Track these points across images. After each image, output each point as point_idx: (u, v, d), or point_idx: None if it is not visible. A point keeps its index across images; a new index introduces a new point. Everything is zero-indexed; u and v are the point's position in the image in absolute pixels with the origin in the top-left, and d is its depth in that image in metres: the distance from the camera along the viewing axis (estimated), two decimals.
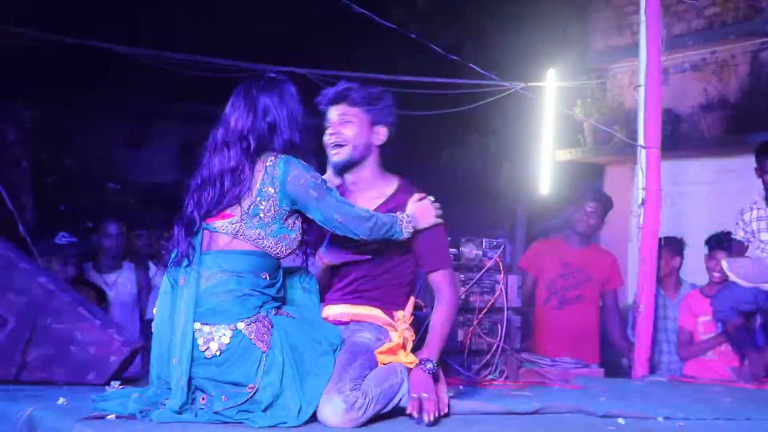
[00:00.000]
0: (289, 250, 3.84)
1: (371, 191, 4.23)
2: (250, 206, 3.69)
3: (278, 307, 3.86)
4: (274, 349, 3.69)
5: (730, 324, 7.51)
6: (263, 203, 3.72)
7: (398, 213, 4.04)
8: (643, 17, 7.28)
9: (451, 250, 6.03)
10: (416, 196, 4.15)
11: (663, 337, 8.04)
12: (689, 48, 11.50)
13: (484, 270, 6.26)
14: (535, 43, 13.97)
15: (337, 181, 4.28)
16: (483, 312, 6.14)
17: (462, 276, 6.05)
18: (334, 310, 4.20)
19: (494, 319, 6.28)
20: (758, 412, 5.06)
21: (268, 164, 3.73)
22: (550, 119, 13.01)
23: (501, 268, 6.29)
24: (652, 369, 7.11)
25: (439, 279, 4.28)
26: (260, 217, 3.71)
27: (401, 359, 4.00)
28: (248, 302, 3.70)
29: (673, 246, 8.37)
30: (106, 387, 4.75)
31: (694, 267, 8.72)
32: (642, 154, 7.35)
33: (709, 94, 11.25)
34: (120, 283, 8.10)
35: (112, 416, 3.81)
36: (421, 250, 4.23)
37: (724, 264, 7.35)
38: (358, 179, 4.23)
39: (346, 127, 4.17)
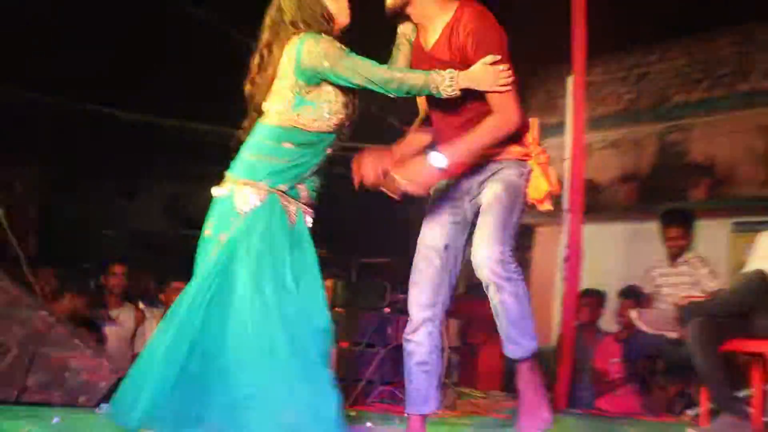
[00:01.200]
0: (319, 121, 3.58)
1: (435, 24, 3.64)
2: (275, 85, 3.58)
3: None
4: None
5: (637, 365, 7.64)
6: (284, 81, 3.55)
7: (438, 72, 3.44)
8: (570, 101, 7.43)
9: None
10: (489, 58, 3.43)
11: (582, 376, 7.92)
12: (609, 128, 11.56)
13: None
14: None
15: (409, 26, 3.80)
16: None
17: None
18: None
19: None
20: None
21: (288, 45, 3.54)
22: None
23: None
24: (571, 403, 7.03)
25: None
26: (281, 93, 3.57)
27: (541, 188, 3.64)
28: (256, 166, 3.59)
29: (597, 297, 8.57)
30: (96, 409, 4.96)
31: (607, 315, 8.80)
32: (567, 218, 7.38)
33: (625, 168, 11.34)
34: (122, 318, 7.95)
35: None
36: None
37: (633, 314, 7.53)
38: (419, 18, 3.68)
39: None
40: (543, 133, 4.00)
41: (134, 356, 7.11)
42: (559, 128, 8.84)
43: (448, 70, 3.38)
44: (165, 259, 9.50)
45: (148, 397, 3.30)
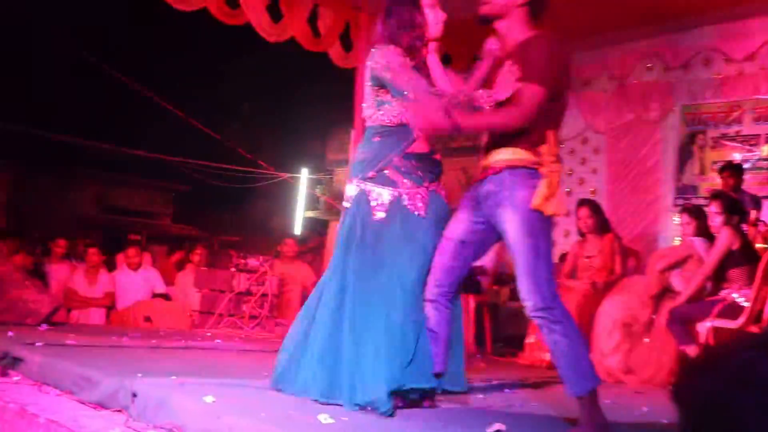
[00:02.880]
0: (393, 115, 3.12)
1: (512, 43, 2.99)
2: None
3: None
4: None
5: None
6: (367, 85, 3.22)
7: (474, 92, 2.97)
8: (351, 144, 7.44)
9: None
10: (507, 65, 2.91)
11: None
12: None
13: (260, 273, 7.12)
14: (293, 152, 13.44)
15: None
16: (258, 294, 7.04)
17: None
18: (491, 158, 2.97)
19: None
20: None
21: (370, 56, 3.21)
22: (302, 194, 12.88)
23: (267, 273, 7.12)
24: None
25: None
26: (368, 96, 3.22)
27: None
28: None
29: None
30: (38, 327, 5.11)
31: None
32: None
33: None
34: (60, 270, 8.10)
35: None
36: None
37: None
38: (504, 31, 3.00)
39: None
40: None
41: (67, 293, 7.65)
42: (345, 162, 9.33)
43: (478, 90, 2.96)
44: (92, 233, 10.20)
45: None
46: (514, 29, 2.98)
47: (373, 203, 3.06)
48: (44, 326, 5.08)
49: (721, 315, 4.64)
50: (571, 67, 3.33)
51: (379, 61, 3.09)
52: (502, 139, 2.91)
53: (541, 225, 2.81)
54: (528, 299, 2.78)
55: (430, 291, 3.05)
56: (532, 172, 2.85)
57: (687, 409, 0.71)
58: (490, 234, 2.99)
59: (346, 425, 2.49)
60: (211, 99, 11.33)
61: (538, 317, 2.78)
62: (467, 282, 5.64)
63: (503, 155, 2.89)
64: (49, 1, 7.97)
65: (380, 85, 3.12)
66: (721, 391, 0.66)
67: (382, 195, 3.06)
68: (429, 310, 3.04)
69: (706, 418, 0.68)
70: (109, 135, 11.24)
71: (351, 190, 3.15)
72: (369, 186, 3.09)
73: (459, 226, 3.05)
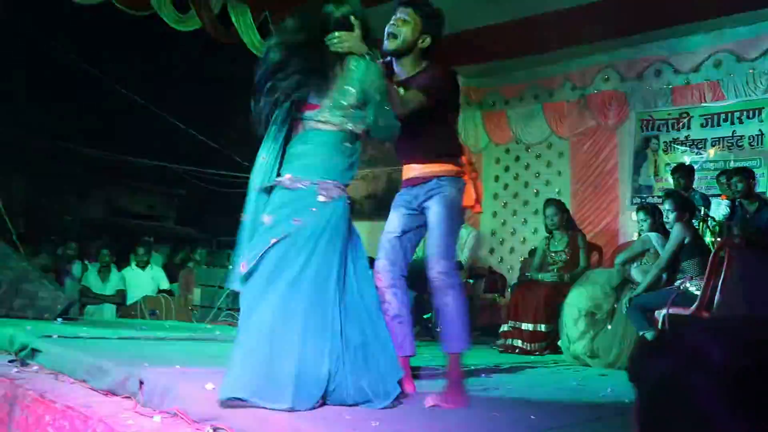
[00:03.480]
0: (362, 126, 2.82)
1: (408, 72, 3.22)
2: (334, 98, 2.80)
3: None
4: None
5: None
6: (345, 98, 2.79)
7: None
8: None
9: None
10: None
11: None
12: (361, 168, 9.90)
13: None
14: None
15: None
16: None
17: None
18: (416, 171, 3.20)
19: None
20: None
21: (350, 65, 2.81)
22: None
23: None
24: None
25: None
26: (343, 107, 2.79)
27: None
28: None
29: None
30: (54, 321, 5.09)
31: None
32: None
33: (368, 190, 11.42)
34: (73, 270, 8.25)
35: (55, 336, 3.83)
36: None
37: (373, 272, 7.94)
38: (404, 63, 3.22)
39: (405, 25, 3.20)
40: None
41: (81, 291, 7.75)
42: None
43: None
44: (102, 235, 10.27)
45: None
46: (413, 63, 3.24)
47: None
48: (59, 320, 5.09)
49: (676, 303, 4.66)
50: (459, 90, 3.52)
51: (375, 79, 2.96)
52: (429, 155, 3.17)
53: (458, 216, 3.18)
54: (437, 264, 3.03)
55: (388, 277, 3.14)
56: (456, 178, 3.17)
57: (642, 389, 0.73)
58: (421, 221, 3.20)
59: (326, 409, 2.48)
60: (211, 111, 11.35)
61: (440, 279, 3.02)
62: None
63: (432, 168, 3.15)
64: (51, 14, 7.87)
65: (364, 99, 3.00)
66: (672, 372, 0.68)
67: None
68: (389, 295, 3.11)
69: (659, 396, 0.70)
70: (116, 144, 11.34)
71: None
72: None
73: (395, 221, 3.23)
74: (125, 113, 10.36)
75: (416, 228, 3.23)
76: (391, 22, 3.23)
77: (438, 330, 3.19)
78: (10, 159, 10.42)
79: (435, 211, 3.10)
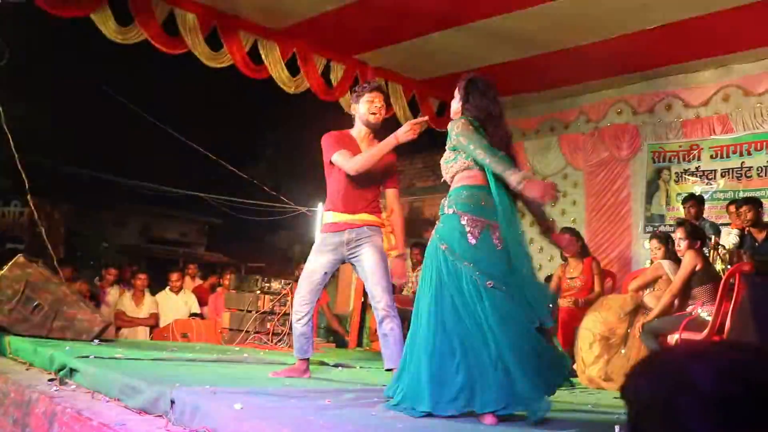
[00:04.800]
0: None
1: (374, 142, 3.83)
2: None
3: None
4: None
5: None
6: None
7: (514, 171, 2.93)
8: None
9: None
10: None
11: (363, 330, 8.12)
12: (383, 197, 11.92)
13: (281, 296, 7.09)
14: (311, 188, 12.39)
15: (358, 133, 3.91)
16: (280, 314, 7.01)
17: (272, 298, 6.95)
18: (359, 218, 3.76)
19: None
20: None
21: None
22: (318, 225, 11.96)
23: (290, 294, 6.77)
24: (358, 344, 7.58)
25: (395, 194, 3.95)
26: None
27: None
28: None
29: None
30: (92, 342, 5.10)
31: None
32: None
33: None
34: (111, 294, 8.19)
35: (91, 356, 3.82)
36: (390, 172, 3.92)
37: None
38: (371, 135, 3.86)
39: (383, 107, 3.86)
40: None
41: (116, 314, 7.66)
42: None
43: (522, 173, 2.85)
44: (137, 261, 10.60)
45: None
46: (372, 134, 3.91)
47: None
48: (96, 342, 5.11)
49: (688, 328, 4.65)
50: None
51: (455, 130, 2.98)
52: (359, 206, 3.74)
53: (385, 258, 3.74)
54: (382, 299, 3.61)
55: (304, 308, 3.79)
56: (378, 228, 3.77)
57: (632, 407, 0.74)
58: (336, 267, 3.87)
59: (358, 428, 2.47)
60: (240, 143, 11.47)
61: (386, 311, 3.59)
62: None
63: (363, 217, 3.72)
64: (94, 49, 8.04)
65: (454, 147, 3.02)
66: (661, 391, 0.69)
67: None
68: (304, 321, 3.82)
69: (649, 415, 0.71)
70: (151, 174, 11.56)
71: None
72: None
73: (324, 261, 3.77)
74: (162, 146, 10.44)
75: (334, 271, 3.87)
76: (375, 104, 3.83)
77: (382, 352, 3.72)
78: (53, 188, 10.53)
79: (371, 258, 3.67)
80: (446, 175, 3.03)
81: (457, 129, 2.93)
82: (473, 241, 2.81)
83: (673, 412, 0.66)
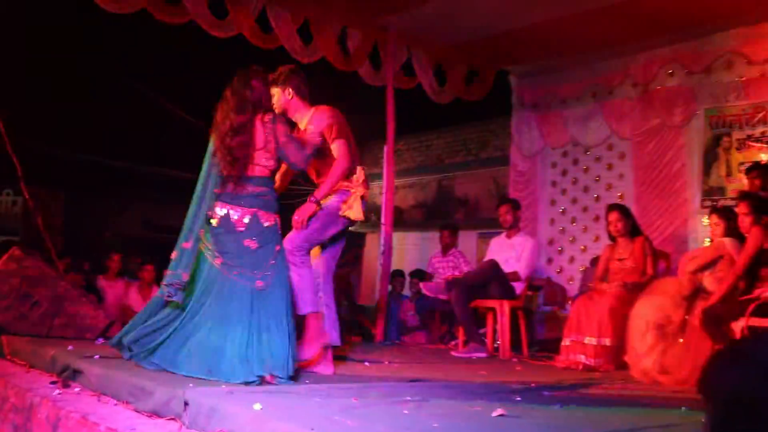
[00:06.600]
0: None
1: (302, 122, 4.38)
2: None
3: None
4: None
5: (423, 316, 8.21)
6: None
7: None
8: (385, 160, 7.91)
9: None
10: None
11: (391, 322, 8.17)
12: (408, 176, 12.24)
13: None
14: None
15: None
16: None
17: None
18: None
19: None
20: (437, 356, 5.88)
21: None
22: None
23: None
24: (384, 338, 7.39)
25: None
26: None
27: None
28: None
29: (400, 276, 9.16)
30: (95, 341, 5.07)
31: (406, 286, 9.26)
32: (383, 229, 7.73)
33: (417, 200, 12.12)
34: (115, 287, 8.26)
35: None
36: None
37: (421, 285, 8.04)
38: (295, 117, 4.40)
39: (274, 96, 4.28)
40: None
41: (122, 309, 7.69)
42: (378, 176, 9.53)
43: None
44: (141, 252, 10.24)
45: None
46: (298, 112, 4.34)
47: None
48: (101, 340, 5.06)
49: (755, 313, 4.55)
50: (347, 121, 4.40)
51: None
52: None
53: (333, 220, 4.14)
54: (288, 244, 3.92)
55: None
56: (344, 192, 4.17)
57: (714, 402, 0.71)
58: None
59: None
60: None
61: (291, 255, 3.90)
62: (502, 288, 6.15)
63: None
64: (88, 26, 8.03)
65: None
66: (747, 384, 0.67)
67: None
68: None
69: (733, 410, 0.68)
70: (150, 159, 11.65)
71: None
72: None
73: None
74: (160, 125, 10.57)
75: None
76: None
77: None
78: (49, 175, 10.63)
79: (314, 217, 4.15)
80: None
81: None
82: None
83: (761, 407, 0.64)
